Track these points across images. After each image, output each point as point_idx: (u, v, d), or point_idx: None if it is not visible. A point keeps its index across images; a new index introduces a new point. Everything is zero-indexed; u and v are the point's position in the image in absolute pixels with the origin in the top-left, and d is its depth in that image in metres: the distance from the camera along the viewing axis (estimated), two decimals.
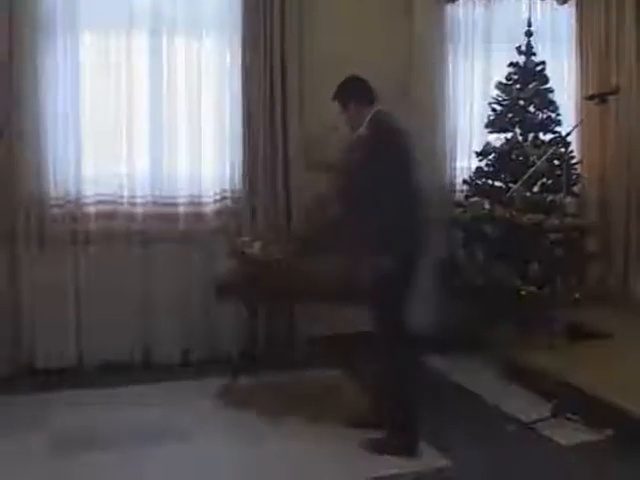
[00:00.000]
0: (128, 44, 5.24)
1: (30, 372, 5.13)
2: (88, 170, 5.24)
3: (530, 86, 5.73)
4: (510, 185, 5.53)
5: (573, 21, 6.38)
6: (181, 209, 5.46)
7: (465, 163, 6.12)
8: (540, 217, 5.35)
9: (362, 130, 4.08)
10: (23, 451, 3.94)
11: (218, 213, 5.51)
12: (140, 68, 5.30)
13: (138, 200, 5.35)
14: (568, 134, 4.71)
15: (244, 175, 5.51)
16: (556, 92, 5.84)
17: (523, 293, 5.28)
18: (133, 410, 4.53)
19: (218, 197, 5.52)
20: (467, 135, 6.16)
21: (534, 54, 5.78)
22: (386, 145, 3.94)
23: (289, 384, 4.90)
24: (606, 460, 3.90)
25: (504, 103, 5.79)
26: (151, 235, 5.35)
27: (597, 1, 6.32)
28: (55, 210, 5.19)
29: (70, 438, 4.14)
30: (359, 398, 4.58)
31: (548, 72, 5.80)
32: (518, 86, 5.76)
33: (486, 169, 5.80)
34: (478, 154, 5.84)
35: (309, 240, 4.90)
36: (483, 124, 5.92)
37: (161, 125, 5.36)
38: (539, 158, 5.19)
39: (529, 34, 5.77)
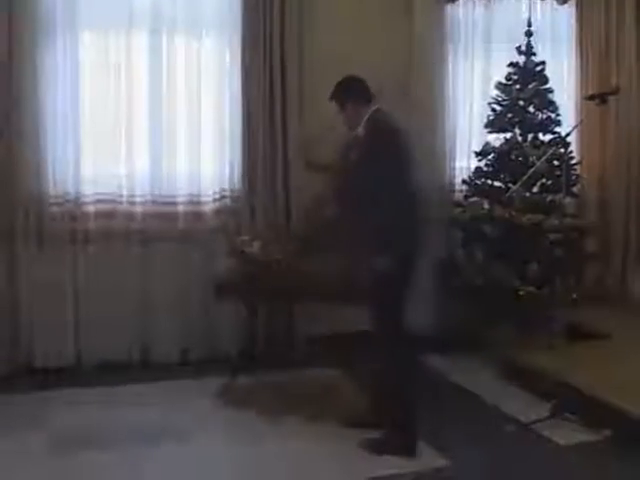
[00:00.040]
0: (128, 44, 5.24)
1: (29, 371, 5.13)
2: (87, 169, 5.24)
3: (530, 86, 5.73)
4: (509, 185, 5.53)
5: (573, 21, 6.38)
6: (180, 208, 5.45)
7: (464, 163, 6.12)
8: (539, 217, 5.35)
9: (360, 130, 4.08)
10: (21, 450, 3.94)
11: (217, 212, 5.52)
12: (140, 68, 5.30)
13: (137, 199, 5.35)
14: (568, 134, 4.71)
15: (243, 174, 5.51)
16: (556, 92, 5.83)
17: (522, 293, 5.28)
18: (132, 409, 4.53)
19: (217, 196, 5.52)
20: (467, 135, 6.15)
21: (534, 54, 5.78)
22: (384, 144, 3.94)
23: (288, 383, 4.91)
24: (604, 460, 3.91)
25: (504, 103, 5.79)
26: (150, 234, 5.35)
27: (597, 1, 6.32)
28: (54, 209, 5.19)
29: (69, 437, 4.13)
30: (358, 398, 4.58)
31: (548, 72, 5.80)
32: (518, 86, 5.76)
33: (485, 169, 5.80)
34: (477, 154, 5.84)
35: (308, 240, 4.90)
36: (483, 124, 5.91)
37: (161, 124, 5.36)
38: (539, 158, 5.19)
39: (529, 34, 5.77)
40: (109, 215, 5.32)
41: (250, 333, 5.41)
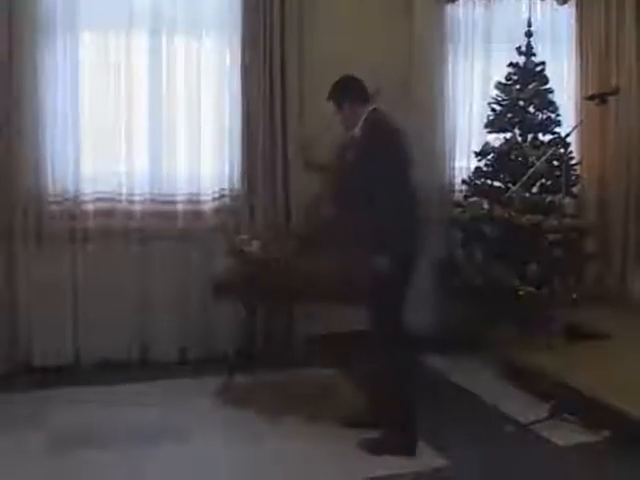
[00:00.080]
0: (128, 43, 5.24)
1: (28, 370, 5.13)
2: (87, 168, 5.24)
3: (530, 86, 5.72)
4: (509, 185, 5.53)
5: (573, 21, 6.37)
6: (180, 207, 5.45)
7: (464, 163, 6.11)
8: (539, 218, 5.35)
9: (357, 130, 4.09)
10: (20, 449, 3.94)
11: (217, 211, 5.51)
12: (140, 67, 5.30)
13: (137, 198, 5.35)
14: (568, 135, 4.70)
15: (243, 174, 5.51)
16: (556, 92, 5.83)
17: (521, 293, 5.27)
18: (131, 408, 4.52)
19: (217, 195, 5.52)
20: (466, 135, 6.15)
21: (534, 54, 5.77)
22: (381, 144, 3.94)
23: (288, 383, 4.90)
24: (603, 461, 3.91)
25: (504, 103, 5.78)
26: (149, 233, 5.35)
27: (597, 1, 6.31)
28: (53, 207, 5.19)
29: (68, 436, 4.13)
30: (356, 398, 4.57)
31: (548, 72, 5.79)
32: (518, 86, 5.75)
33: (485, 169, 5.79)
34: (477, 154, 5.83)
35: (308, 239, 4.89)
36: (482, 124, 5.91)
37: (160, 123, 5.36)
38: (538, 159, 5.19)
39: (529, 34, 5.77)
40: (108, 214, 5.32)
41: (249, 332, 5.40)
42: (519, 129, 5.74)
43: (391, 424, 4.00)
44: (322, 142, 4.68)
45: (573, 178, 5.75)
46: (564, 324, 5.08)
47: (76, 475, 3.73)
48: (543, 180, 5.56)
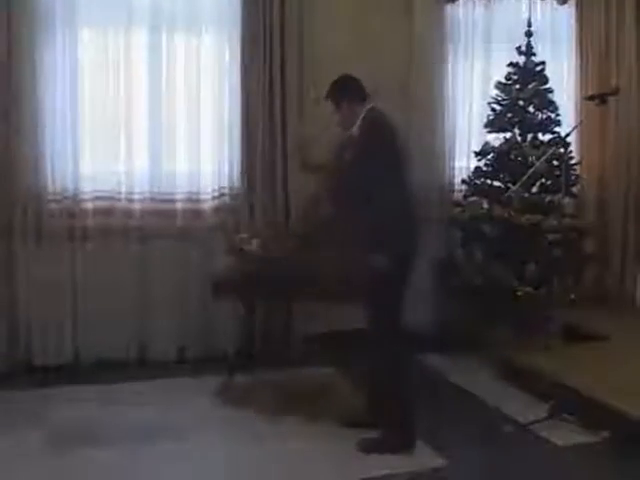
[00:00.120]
0: (127, 41, 5.23)
1: (27, 369, 5.12)
2: (86, 166, 5.24)
3: (530, 86, 5.72)
4: (509, 185, 5.53)
5: (573, 21, 6.37)
6: (179, 206, 5.45)
7: (464, 163, 6.11)
8: (538, 217, 5.35)
9: (355, 129, 4.08)
10: (20, 447, 3.94)
11: (216, 210, 5.51)
12: (139, 65, 5.29)
13: (136, 196, 5.35)
14: (567, 135, 4.69)
15: (242, 172, 5.50)
16: (556, 92, 5.83)
17: (520, 294, 5.28)
18: (130, 407, 4.52)
19: (216, 194, 5.51)
20: (466, 135, 6.15)
21: (534, 54, 5.77)
22: (379, 143, 3.94)
23: (287, 382, 4.90)
24: (602, 461, 3.92)
25: (503, 103, 5.78)
26: (149, 231, 5.35)
27: (597, 1, 6.31)
28: (53, 206, 5.18)
29: (67, 434, 4.13)
30: (355, 397, 4.57)
31: (548, 72, 5.79)
32: (518, 86, 5.75)
33: (485, 169, 5.79)
34: (477, 154, 5.83)
35: (307, 238, 4.89)
36: (482, 124, 5.91)
37: (160, 122, 5.36)
38: (538, 158, 5.19)
39: (529, 34, 5.77)
40: (107, 212, 5.31)
41: (248, 331, 5.40)
42: (519, 129, 5.74)
43: (389, 423, 4.00)
44: (320, 142, 4.68)
45: (573, 178, 5.75)
46: (562, 325, 5.10)
47: (75, 473, 3.72)
48: (543, 180, 5.57)
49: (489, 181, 5.77)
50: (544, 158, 4.97)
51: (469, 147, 6.08)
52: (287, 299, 5.25)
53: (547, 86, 5.77)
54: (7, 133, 4.98)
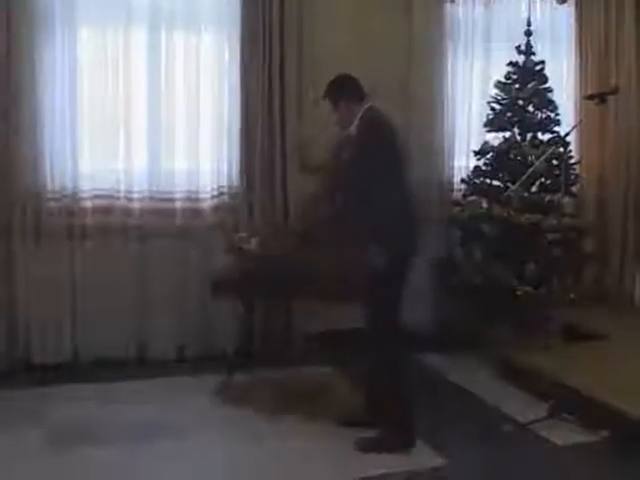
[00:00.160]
0: (126, 39, 5.22)
1: (27, 367, 5.12)
2: (85, 164, 5.23)
3: (529, 85, 5.72)
4: (508, 184, 5.53)
5: (572, 21, 6.38)
6: (178, 204, 5.44)
7: (463, 162, 6.11)
8: (538, 217, 5.35)
9: (352, 128, 4.08)
10: (19, 445, 3.93)
11: (215, 209, 5.51)
12: (138, 63, 5.29)
13: (135, 195, 5.34)
14: (567, 134, 4.69)
15: (242, 171, 5.50)
16: (555, 92, 5.83)
17: (519, 293, 5.27)
18: (129, 406, 4.52)
19: (215, 193, 5.51)
20: (466, 134, 6.15)
21: (533, 53, 5.77)
22: (377, 142, 3.93)
23: (286, 381, 4.90)
24: (602, 461, 3.92)
25: (503, 102, 5.78)
26: (148, 230, 5.34)
27: (597, 0, 6.31)
28: (52, 204, 5.17)
29: (66, 433, 4.13)
30: (354, 396, 4.56)
31: (547, 72, 5.79)
32: (517, 85, 5.75)
33: (484, 168, 5.79)
34: (476, 153, 5.83)
35: (306, 237, 4.88)
36: (482, 123, 5.91)
37: (159, 120, 5.35)
38: (537, 158, 5.19)
39: (528, 33, 5.77)
40: (107, 211, 5.30)
41: (247, 330, 5.39)
42: (518, 128, 5.74)
43: (388, 423, 4.00)
44: (319, 143, 4.68)
45: (572, 177, 5.75)
46: (562, 324, 5.09)
47: (74, 472, 3.72)
48: (542, 179, 5.57)
49: (488, 180, 5.77)
50: (544, 157, 4.97)
51: (468, 146, 6.07)
52: (286, 298, 5.25)
53: (547, 85, 5.77)
54: (6, 132, 4.97)
